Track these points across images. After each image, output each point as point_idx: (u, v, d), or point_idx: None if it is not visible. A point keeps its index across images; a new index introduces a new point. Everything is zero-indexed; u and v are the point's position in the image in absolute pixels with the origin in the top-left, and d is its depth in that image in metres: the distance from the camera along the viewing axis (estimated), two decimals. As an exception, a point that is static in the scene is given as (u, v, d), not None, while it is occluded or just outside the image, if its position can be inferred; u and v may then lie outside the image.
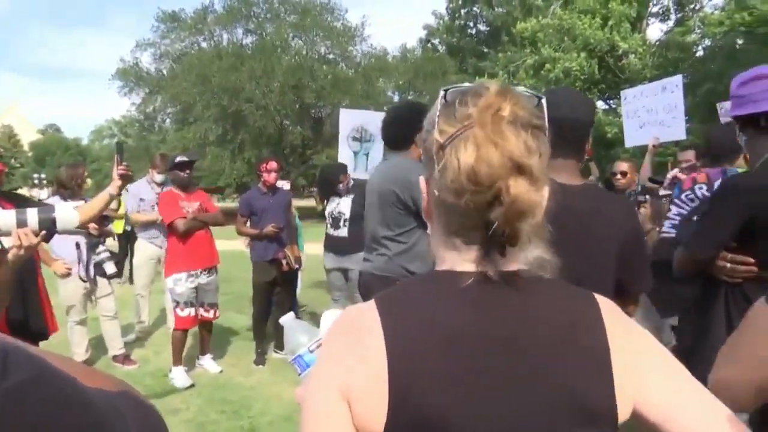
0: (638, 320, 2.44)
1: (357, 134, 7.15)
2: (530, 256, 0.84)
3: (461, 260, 0.85)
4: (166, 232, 5.01)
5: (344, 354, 0.82)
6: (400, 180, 2.84)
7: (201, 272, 4.80)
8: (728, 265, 1.94)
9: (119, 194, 3.09)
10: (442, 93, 0.87)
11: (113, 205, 6.94)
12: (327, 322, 1.00)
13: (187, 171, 4.83)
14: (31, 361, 0.42)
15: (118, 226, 8.02)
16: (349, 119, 6.98)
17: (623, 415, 0.82)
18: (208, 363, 5.15)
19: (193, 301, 4.78)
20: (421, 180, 0.92)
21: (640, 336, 0.89)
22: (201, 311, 4.87)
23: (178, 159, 4.86)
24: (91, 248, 4.85)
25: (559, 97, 1.84)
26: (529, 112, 0.81)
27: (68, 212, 2.53)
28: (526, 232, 0.80)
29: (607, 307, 0.88)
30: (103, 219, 4.13)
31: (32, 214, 2.32)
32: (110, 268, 4.92)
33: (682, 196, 2.75)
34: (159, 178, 5.89)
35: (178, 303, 4.71)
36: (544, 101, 0.87)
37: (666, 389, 0.83)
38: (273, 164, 5.35)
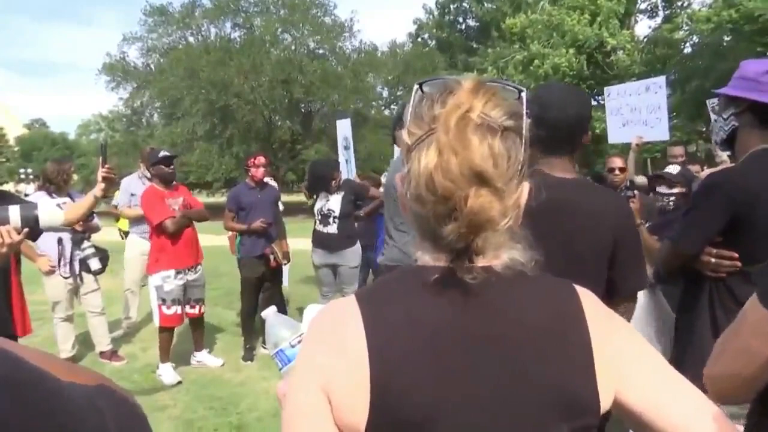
0: (639, 323, 2.42)
1: (345, 143, 7.33)
2: (507, 256, 0.81)
3: (434, 261, 0.83)
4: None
5: (324, 348, 0.80)
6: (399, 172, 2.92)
7: (189, 270, 4.77)
8: (713, 260, 1.95)
9: (105, 196, 3.05)
10: (416, 87, 0.83)
11: (115, 202, 6.90)
12: (310, 315, 0.98)
13: (172, 166, 4.80)
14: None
15: (125, 225, 7.89)
16: (340, 128, 7.41)
17: (605, 406, 0.81)
18: (206, 357, 5.14)
19: (181, 298, 4.74)
20: (397, 177, 0.86)
21: (620, 327, 0.88)
22: (187, 308, 4.84)
23: (162, 153, 4.81)
24: (76, 244, 4.81)
25: (551, 95, 1.83)
26: (502, 111, 0.77)
27: (51, 210, 2.50)
28: (494, 241, 0.78)
29: (586, 297, 0.87)
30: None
31: (14, 212, 2.29)
32: (95, 264, 4.88)
33: None
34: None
35: (164, 301, 4.65)
36: (524, 94, 0.83)
37: (646, 380, 0.83)
38: (261, 159, 5.33)
